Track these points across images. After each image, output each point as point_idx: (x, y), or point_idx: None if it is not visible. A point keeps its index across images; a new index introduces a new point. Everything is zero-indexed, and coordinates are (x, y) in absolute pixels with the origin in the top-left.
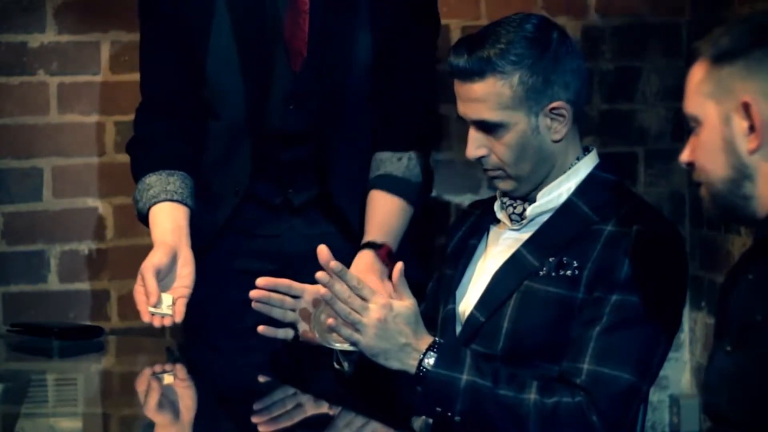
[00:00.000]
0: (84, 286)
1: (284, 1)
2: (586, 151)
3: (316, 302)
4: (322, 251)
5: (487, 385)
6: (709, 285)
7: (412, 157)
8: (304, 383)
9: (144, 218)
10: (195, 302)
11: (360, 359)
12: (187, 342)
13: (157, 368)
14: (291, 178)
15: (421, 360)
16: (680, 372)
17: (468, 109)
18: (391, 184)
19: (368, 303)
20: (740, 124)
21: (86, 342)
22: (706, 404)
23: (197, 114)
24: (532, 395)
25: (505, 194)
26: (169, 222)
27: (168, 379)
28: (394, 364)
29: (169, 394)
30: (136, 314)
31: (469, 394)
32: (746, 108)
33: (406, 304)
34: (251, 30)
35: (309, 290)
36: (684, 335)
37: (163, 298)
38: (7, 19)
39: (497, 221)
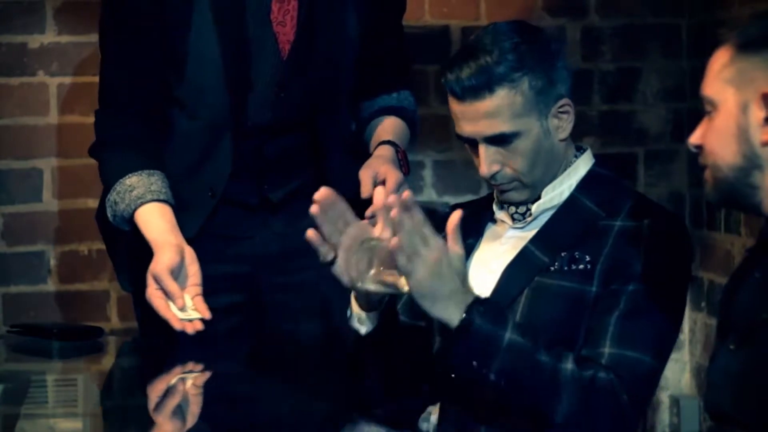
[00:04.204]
0: (84, 286)
1: None
2: (579, 149)
3: (356, 242)
4: (379, 193)
5: (528, 347)
6: (709, 285)
7: (402, 93)
8: (293, 385)
9: (125, 220)
10: None
11: (378, 322)
12: (153, 342)
13: (177, 372)
14: (270, 174)
15: (467, 311)
16: (680, 372)
17: (479, 127)
18: (388, 111)
19: (429, 241)
20: (757, 115)
21: (86, 342)
22: (708, 402)
23: (165, 115)
24: (569, 365)
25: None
26: (163, 222)
27: (182, 382)
28: (437, 311)
29: (179, 399)
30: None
31: (510, 354)
32: (765, 99)
33: (459, 253)
34: (233, 19)
35: (356, 225)
36: (684, 336)
37: (186, 300)
38: (7, 19)
39: (495, 221)
